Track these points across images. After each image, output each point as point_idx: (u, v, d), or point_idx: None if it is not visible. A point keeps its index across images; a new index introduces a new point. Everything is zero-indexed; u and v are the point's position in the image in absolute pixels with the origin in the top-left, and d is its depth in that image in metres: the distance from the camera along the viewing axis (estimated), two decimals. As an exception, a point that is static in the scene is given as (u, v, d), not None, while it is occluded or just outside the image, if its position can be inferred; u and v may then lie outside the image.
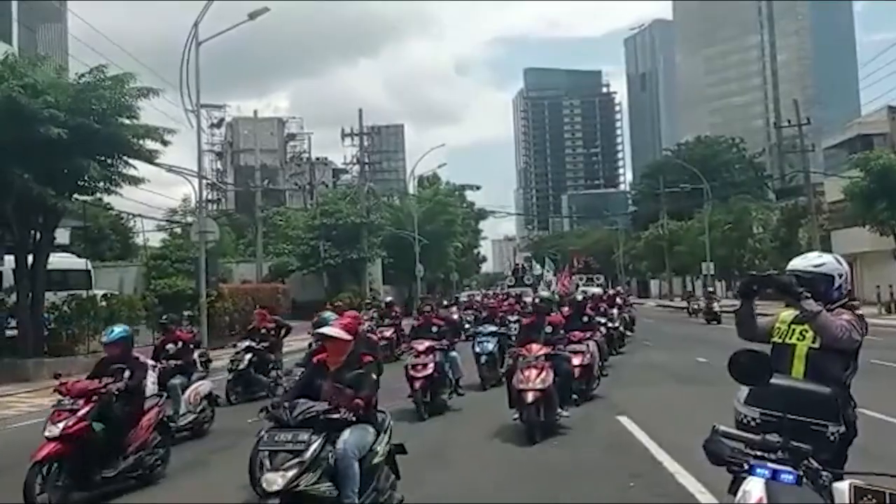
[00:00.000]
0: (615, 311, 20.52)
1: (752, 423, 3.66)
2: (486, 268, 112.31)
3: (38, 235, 18.72)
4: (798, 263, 4.27)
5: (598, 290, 26.33)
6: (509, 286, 52.23)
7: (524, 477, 7.18)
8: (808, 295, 3.86)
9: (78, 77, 17.79)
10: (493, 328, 15.17)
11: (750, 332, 4.25)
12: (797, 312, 4.03)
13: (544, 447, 8.74)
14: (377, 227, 45.37)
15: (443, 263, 59.09)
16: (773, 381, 3.50)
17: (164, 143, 18.90)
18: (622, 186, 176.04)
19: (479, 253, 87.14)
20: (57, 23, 40.18)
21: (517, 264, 72.00)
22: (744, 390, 3.80)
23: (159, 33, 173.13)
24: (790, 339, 4.07)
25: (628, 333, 22.88)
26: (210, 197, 65.13)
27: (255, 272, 39.87)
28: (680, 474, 7.29)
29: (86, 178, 17.67)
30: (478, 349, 14.37)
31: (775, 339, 4.15)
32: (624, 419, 10.26)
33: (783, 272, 4.26)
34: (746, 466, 3.02)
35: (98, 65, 17.81)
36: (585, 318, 13.14)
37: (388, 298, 27.57)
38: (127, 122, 17.89)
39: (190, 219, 46.37)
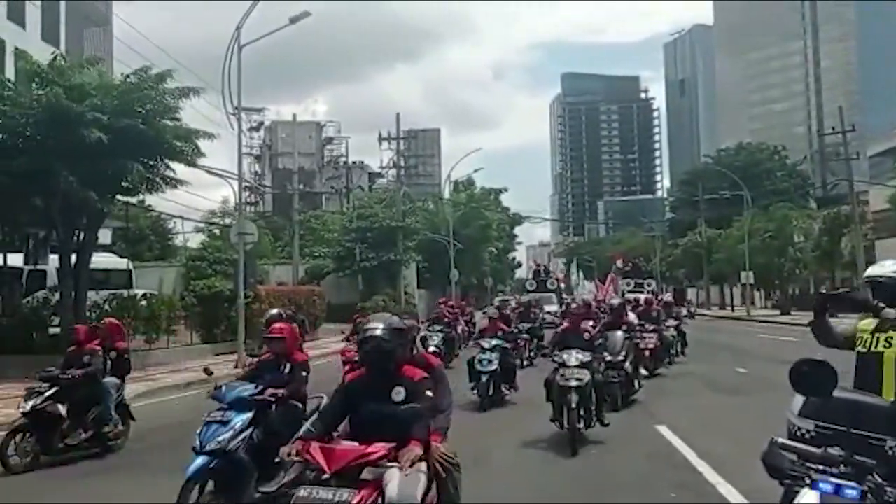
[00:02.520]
0: (619, 334, 12.55)
1: (807, 436, 3.56)
2: (521, 273, 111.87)
3: (82, 236, 19.06)
4: (875, 271, 4.39)
5: (645, 298, 22.52)
6: (529, 291, 46.19)
7: (564, 486, 7.11)
8: (884, 305, 3.94)
9: (124, 78, 18.08)
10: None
11: (829, 339, 4.38)
12: (877, 321, 4.09)
13: (583, 457, 8.64)
14: (412, 230, 45.46)
15: (477, 268, 59.06)
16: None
17: (198, 149, 19.11)
18: (659, 193, 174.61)
19: (514, 258, 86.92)
20: (103, 26, 40.90)
21: (538, 265, 61.37)
22: (797, 401, 3.70)
23: (202, 37, 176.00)
24: (876, 347, 4.09)
25: (644, 373, 14.32)
26: (248, 199, 65.88)
27: (291, 274, 40.16)
28: (721, 485, 7.19)
29: (128, 179, 17.94)
30: None
31: (859, 347, 4.17)
32: (663, 429, 10.12)
33: (824, 282, 4.30)
34: (808, 481, 2.93)
35: (144, 66, 18.10)
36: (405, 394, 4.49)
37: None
38: (170, 123, 18.14)
39: (228, 220, 46.93)
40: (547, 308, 31.86)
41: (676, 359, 19.18)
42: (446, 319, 20.43)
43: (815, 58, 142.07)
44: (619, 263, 54.90)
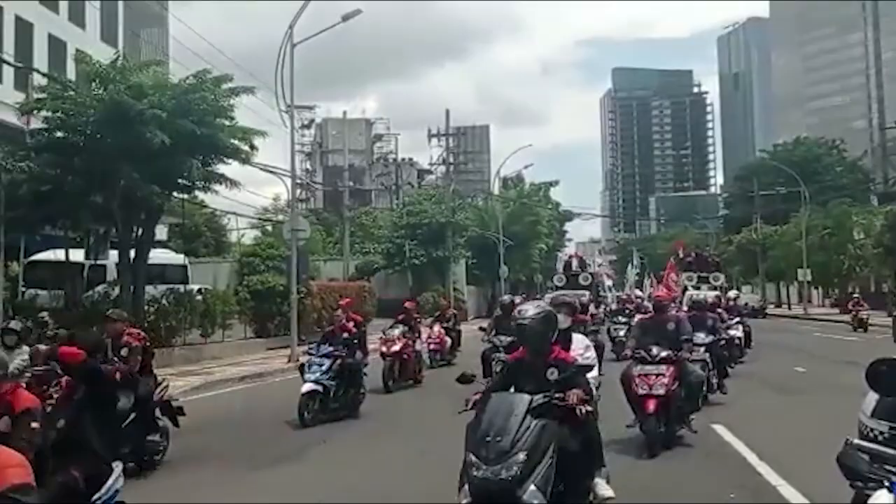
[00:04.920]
0: (514, 404, 4.82)
1: (880, 437, 3.44)
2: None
3: (140, 232, 19.50)
4: None
5: (714, 295, 19.82)
6: (558, 287, 39.67)
7: (620, 485, 7.00)
8: None
9: (183, 80, 18.45)
10: None
11: None
12: None
13: (638, 456, 8.49)
14: (462, 227, 45.49)
15: (527, 265, 58.76)
16: None
17: (253, 147, 19.45)
18: (713, 189, 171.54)
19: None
20: (159, 27, 41.81)
21: (571, 256, 51.09)
22: (870, 402, 3.58)
23: (256, 36, 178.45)
24: None
25: (607, 495, 5.40)
26: (300, 196, 66.67)
27: (341, 270, 40.53)
28: (783, 486, 7.03)
29: (188, 177, 18.29)
30: None
31: None
32: (720, 428, 9.92)
33: (886, 280, 4.07)
34: (888, 483, 2.83)
35: (203, 69, 18.45)
36: None
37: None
38: (227, 122, 18.44)
39: (280, 217, 47.56)
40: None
41: (711, 396, 11.82)
42: (345, 335, 11.90)
43: (876, 49, 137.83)
44: (680, 252, 45.14)
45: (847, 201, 54.29)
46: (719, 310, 15.83)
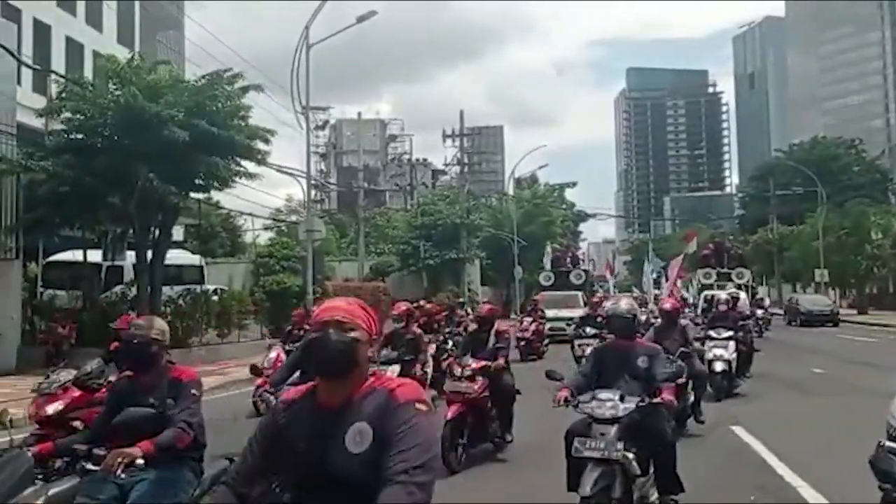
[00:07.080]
0: None
1: (909, 437, 3.40)
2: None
3: (157, 233, 19.61)
4: None
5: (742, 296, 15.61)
6: (544, 287, 34.22)
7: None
8: None
9: (197, 80, 18.54)
10: None
11: None
12: None
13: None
14: (476, 227, 45.51)
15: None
16: None
17: (267, 141, 19.47)
18: (728, 189, 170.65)
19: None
20: (175, 29, 41.98)
21: (560, 251, 44.08)
22: (898, 402, 3.55)
23: (272, 37, 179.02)
24: None
25: None
26: (315, 197, 66.87)
27: (356, 270, 40.61)
28: (803, 488, 6.97)
29: (202, 176, 18.36)
30: None
31: None
32: (739, 430, 9.85)
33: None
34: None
35: (217, 69, 18.55)
36: None
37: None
38: (242, 123, 18.51)
39: (294, 217, 47.73)
40: (564, 312, 23.48)
41: None
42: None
43: (893, 48, 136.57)
44: (693, 245, 37.75)
45: (865, 201, 53.85)
46: (684, 321, 10.02)
